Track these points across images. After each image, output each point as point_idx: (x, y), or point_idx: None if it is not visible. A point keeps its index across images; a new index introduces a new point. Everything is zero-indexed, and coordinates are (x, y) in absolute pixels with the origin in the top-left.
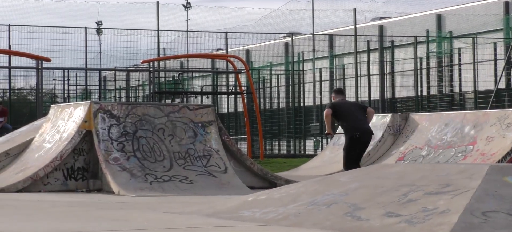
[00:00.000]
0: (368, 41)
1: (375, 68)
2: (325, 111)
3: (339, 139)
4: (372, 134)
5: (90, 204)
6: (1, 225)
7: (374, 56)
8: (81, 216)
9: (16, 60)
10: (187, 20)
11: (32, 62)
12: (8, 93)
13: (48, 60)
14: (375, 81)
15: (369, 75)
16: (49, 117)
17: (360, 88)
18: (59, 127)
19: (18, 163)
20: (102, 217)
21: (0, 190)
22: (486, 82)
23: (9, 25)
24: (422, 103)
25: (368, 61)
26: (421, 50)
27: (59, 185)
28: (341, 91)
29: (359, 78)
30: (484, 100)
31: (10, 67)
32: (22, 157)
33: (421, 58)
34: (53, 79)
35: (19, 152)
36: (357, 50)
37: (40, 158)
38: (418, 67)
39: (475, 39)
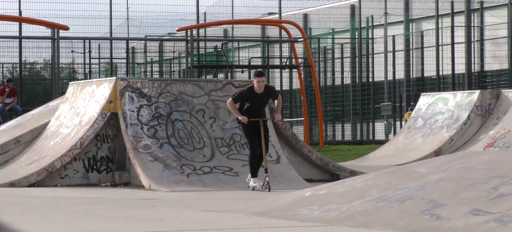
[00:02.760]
0: (452, 2)
1: (460, 35)
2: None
3: (416, 121)
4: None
5: (116, 202)
6: (11, 228)
7: (459, 20)
8: (105, 217)
9: (28, 29)
10: None
11: (46, 31)
12: (18, 69)
13: (65, 28)
14: (460, 51)
15: (452, 43)
16: (67, 97)
17: (441, 60)
18: (78, 109)
19: (30, 152)
20: (130, 218)
21: (10, 184)
22: None
23: None
24: None
25: (452, 27)
26: None
27: (79, 178)
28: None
29: (441, 47)
30: None
31: (20, 38)
32: (35, 145)
33: None
34: (72, 51)
35: (31, 138)
36: (439, 13)
37: (57, 145)
38: None
39: None
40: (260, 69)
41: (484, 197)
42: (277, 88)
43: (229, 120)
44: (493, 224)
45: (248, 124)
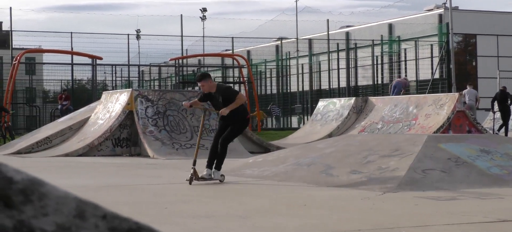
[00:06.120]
0: (337, 44)
1: (343, 64)
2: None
3: (316, 116)
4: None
5: (132, 165)
6: (67, 181)
7: (342, 55)
8: (126, 174)
9: (77, 59)
10: (203, 28)
11: (88, 60)
12: (71, 84)
13: (100, 58)
14: (343, 73)
15: (338, 69)
16: (101, 101)
17: (332, 79)
18: (109, 108)
19: (79, 135)
20: (141, 174)
21: (66, 155)
22: (425, 74)
23: (71, 33)
24: (377, 89)
25: (338, 59)
26: (377, 50)
27: (109, 151)
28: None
29: (331, 71)
30: (423, 87)
31: (72, 64)
32: (82, 130)
33: (377, 56)
34: (104, 73)
35: (79, 126)
36: (330, 51)
37: (95, 131)
38: (375, 63)
39: (417, 41)
40: (200, 74)
41: (359, 163)
42: None
43: (202, 115)
44: (365, 179)
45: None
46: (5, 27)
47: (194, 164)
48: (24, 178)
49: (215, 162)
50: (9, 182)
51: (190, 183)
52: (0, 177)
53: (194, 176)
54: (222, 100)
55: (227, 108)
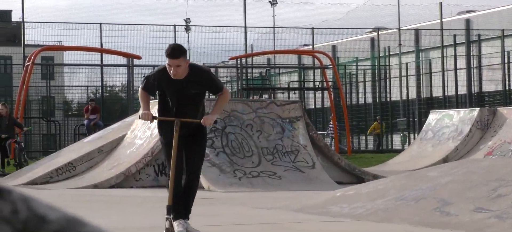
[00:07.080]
0: (454, 35)
1: (461, 62)
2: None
3: (426, 134)
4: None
5: None
6: (100, 220)
7: (461, 50)
8: None
9: (108, 58)
10: (273, 17)
11: (123, 60)
12: (100, 91)
13: (138, 57)
14: (462, 75)
15: (455, 69)
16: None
17: (447, 83)
18: (150, 124)
19: (110, 159)
20: (193, 213)
21: (94, 186)
22: None
23: (100, 23)
24: (510, 97)
25: (455, 55)
26: (509, 43)
27: (151, 181)
28: None
29: (446, 72)
30: None
31: (102, 65)
32: (115, 153)
33: (509, 52)
34: (144, 76)
35: (111, 148)
36: (444, 44)
37: (132, 154)
38: (506, 61)
39: None
40: (174, 46)
41: (485, 197)
42: (311, 107)
43: (273, 132)
44: (494, 220)
45: (163, 128)
46: (16, 17)
47: (170, 212)
48: (60, 217)
49: (183, 205)
50: (41, 221)
51: None
52: (31, 215)
53: None
54: (193, 96)
55: (213, 113)
